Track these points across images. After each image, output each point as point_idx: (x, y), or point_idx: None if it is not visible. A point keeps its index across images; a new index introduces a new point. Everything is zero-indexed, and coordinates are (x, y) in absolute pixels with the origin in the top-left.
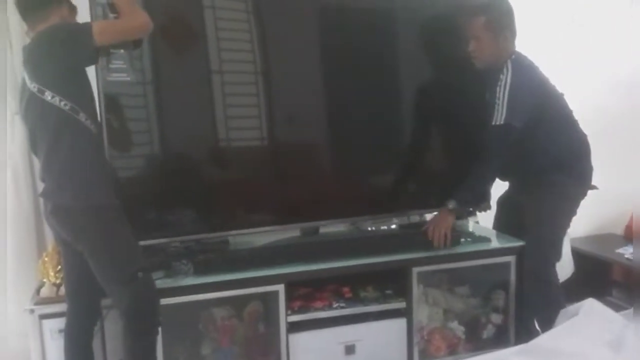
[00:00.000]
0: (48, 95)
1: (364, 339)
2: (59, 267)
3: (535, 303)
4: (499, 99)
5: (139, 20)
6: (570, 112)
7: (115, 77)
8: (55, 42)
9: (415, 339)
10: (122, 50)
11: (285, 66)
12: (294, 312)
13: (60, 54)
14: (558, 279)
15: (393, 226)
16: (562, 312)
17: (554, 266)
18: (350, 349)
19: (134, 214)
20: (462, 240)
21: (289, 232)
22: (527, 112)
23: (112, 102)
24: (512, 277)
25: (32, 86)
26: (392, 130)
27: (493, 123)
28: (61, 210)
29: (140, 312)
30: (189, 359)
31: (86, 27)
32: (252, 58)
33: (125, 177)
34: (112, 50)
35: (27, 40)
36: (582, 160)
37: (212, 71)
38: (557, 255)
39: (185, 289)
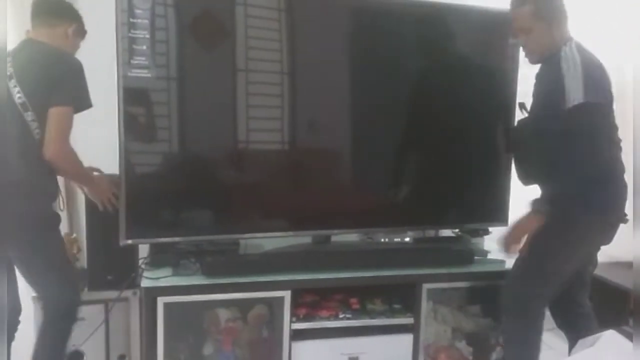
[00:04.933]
0: (28, 117)
1: (368, 352)
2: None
3: (510, 339)
4: (568, 77)
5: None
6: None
7: (136, 72)
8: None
9: (421, 357)
10: (144, 46)
11: (311, 70)
12: (299, 320)
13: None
14: (541, 317)
15: (407, 239)
16: (581, 342)
17: (537, 299)
18: None
19: (146, 210)
20: (476, 258)
21: (300, 239)
22: (607, 91)
23: (131, 96)
24: None
25: (17, 97)
26: (414, 143)
27: (568, 105)
28: None
29: (67, 301)
30: (190, 358)
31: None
32: (280, 58)
33: (141, 173)
34: (134, 46)
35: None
36: (607, 188)
37: (237, 69)
38: (544, 289)
39: (191, 288)
